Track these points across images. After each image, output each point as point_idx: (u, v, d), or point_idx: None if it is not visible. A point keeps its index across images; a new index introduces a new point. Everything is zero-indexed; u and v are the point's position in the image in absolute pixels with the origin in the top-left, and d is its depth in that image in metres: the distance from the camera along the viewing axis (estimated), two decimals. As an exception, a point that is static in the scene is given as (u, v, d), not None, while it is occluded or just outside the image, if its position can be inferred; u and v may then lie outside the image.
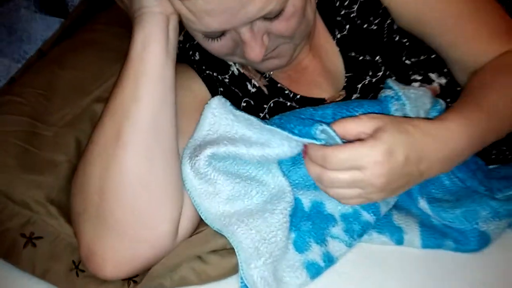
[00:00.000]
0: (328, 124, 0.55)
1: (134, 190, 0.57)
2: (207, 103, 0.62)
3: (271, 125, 0.58)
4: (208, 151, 0.58)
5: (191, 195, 0.60)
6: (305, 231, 0.62)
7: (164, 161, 0.59)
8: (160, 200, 0.59)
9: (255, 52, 0.59)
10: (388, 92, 0.62)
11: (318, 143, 0.55)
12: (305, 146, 0.57)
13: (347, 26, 0.70)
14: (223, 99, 0.62)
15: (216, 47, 0.62)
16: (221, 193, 0.60)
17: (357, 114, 0.59)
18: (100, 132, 0.59)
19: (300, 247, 0.60)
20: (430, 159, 0.56)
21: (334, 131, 0.55)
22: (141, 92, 0.58)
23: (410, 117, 0.59)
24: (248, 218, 0.59)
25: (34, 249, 0.61)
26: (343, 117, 0.58)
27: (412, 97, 0.61)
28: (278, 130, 0.57)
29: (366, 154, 0.53)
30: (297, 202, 0.63)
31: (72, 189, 0.61)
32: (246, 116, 0.60)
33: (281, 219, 0.60)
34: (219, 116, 0.61)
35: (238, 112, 0.60)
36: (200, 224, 0.64)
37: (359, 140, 0.54)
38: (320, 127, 0.55)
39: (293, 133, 0.56)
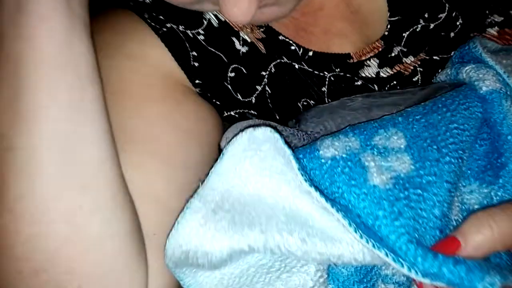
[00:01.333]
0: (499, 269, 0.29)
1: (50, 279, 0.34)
2: (249, 129, 0.33)
3: (382, 246, 0.29)
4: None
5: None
6: (345, 279, 0.40)
7: (98, 217, 0.35)
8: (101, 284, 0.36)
9: (240, 9, 0.37)
10: (490, 83, 0.36)
11: None
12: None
13: None
14: (277, 135, 0.32)
15: None
16: (216, 253, 0.35)
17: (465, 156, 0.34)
18: None
19: (342, 310, 0.40)
20: None
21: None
22: (29, 101, 0.33)
23: None
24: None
25: None
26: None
27: None
28: (398, 265, 0.30)
29: None
30: None
31: None
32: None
33: (317, 280, 0.38)
34: (272, 159, 0.33)
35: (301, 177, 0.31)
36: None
37: None
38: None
39: (420, 273, 0.30)
